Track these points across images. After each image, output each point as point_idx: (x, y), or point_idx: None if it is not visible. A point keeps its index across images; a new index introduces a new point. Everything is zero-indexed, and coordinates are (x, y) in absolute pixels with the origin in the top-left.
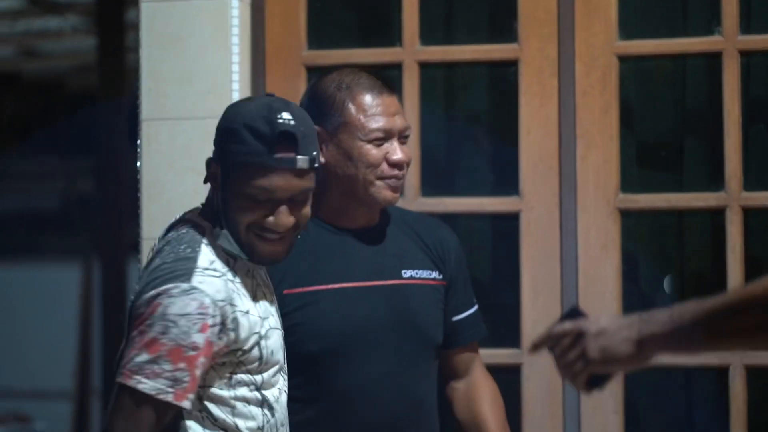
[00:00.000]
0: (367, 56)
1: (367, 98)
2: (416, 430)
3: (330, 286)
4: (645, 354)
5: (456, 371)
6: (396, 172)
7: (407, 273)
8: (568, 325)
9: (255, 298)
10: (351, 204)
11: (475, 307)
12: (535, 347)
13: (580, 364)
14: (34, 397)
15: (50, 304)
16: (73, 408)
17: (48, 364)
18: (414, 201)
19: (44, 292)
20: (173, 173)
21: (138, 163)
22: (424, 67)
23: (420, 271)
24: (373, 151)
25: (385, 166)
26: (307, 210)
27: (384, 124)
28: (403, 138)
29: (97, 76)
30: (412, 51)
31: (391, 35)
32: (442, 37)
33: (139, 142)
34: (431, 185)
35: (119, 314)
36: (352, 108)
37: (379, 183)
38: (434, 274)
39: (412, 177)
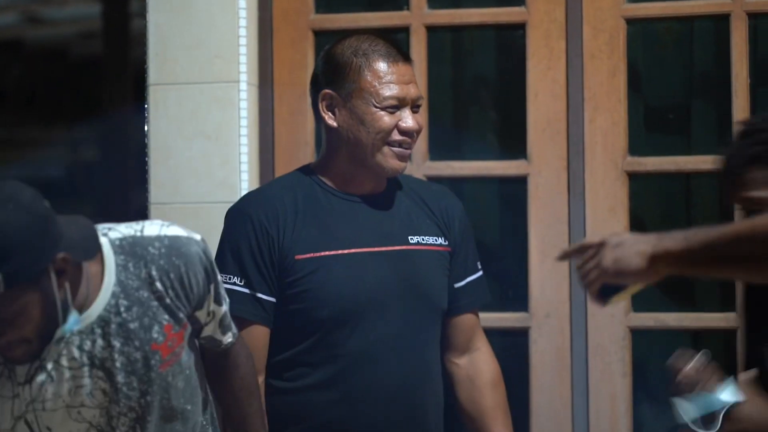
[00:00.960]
0: (375, 20)
1: (383, 65)
2: (423, 393)
3: (339, 252)
4: (655, 270)
5: (457, 341)
6: (405, 138)
7: (414, 239)
8: (595, 237)
9: None
10: (358, 170)
11: (478, 274)
12: (564, 256)
13: (595, 273)
14: None
15: None
16: None
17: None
18: (422, 165)
19: None
20: (181, 138)
21: (145, 129)
22: (432, 30)
23: (426, 237)
24: (385, 118)
25: (395, 132)
26: None
27: (398, 92)
28: (415, 107)
29: (101, 42)
30: (419, 14)
31: None
32: (449, 0)
33: (146, 107)
34: (439, 149)
35: None
36: (367, 74)
37: (387, 150)
38: (440, 240)
39: (421, 141)
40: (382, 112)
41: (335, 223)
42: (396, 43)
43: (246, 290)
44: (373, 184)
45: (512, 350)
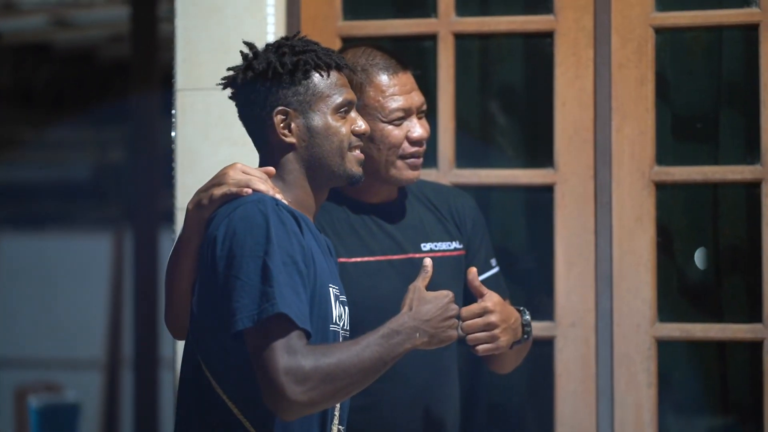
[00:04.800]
0: (402, 27)
1: (384, 78)
2: (442, 397)
3: (352, 260)
4: None
5: None
6: (417, 149)
7: (426, 246)
8: None
9: None
10: (373, 182)
11: (493, 271)
12: None
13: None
14: (65, 367)
15: (82, 274)
16: (103, 378)
17: (79, 334)
18: (448, 173)
19: (76, 262)
20: (208, 143)
21: (173, 133)
22: (460, 38)
23: (439, 244)
24: (394, 132)
25: (406, 144)
26: None
27: (403, 103)
28: (420, 113)
29: (129, 46)
30: (447, 22)
31: (426, 6)
32: (477, 8)
33: (173, 112)
34: (466, 157)
35: (151, 285)
36: (370, 91)
37: (400, 163)
38: (454, 245)
39: (447, 149)
40: (390, 126)
41: (348, 232)
42: (393, 52)
43: None
44: (386, 194)
45: (538, 359)
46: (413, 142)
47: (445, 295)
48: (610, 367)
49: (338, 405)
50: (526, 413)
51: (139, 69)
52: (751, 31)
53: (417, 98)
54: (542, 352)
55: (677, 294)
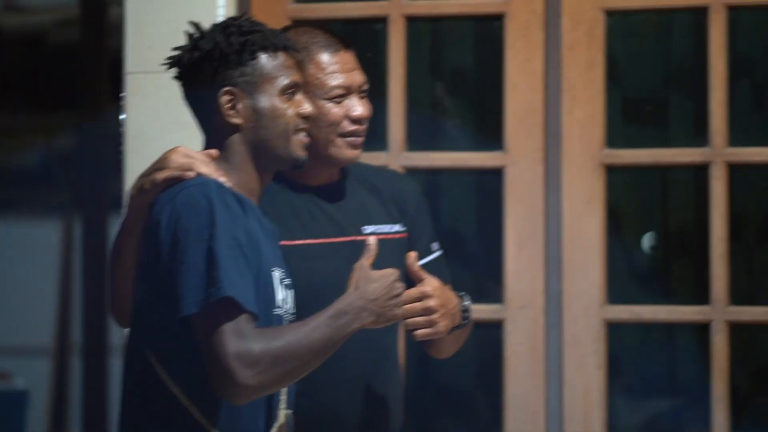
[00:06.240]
0: (354, 10)
1: (325, 57)
2: (382, 379)
3: (293, 242)
4: None
5: None
6: (357, 127)
7: (368, 229)
8: None
9: None
10: (312, 163)
11: (435, 255)
12: None
13: None
14: (14, 354)
15: (30, 260)
16: (52, 365)
17: (28, 321)
18: (398, 156)
19: (25, 248)
20: (158, 127)
21: (122, 117)
22: (411, 20)
23: (381, 226)
24: (334, 109)
25: (346, 122)
26: None
27: (343, 81)
28: (362, 93)
29: (78, 30)
30: (398, 4)
31: None
32: None
33: (123, 95)
34: (416, 140)
35: (100, 271)
36: (310, 68)
37: (340, 141)
38: (396, 227)
39: (397, 132)
40: (330, 103)
41: (288, 214)
42: (335, 32)
43: None
44: (326, 175)
45: (487, 342)
46: (353, 121)
47: (391, 273)
48: (559, 349)
49: (285, 388)
50: (475, 395)
51: (89, 53)
52: (700, 13)
53: (358, 77)
54: (492, 334)
55: (626, 276)
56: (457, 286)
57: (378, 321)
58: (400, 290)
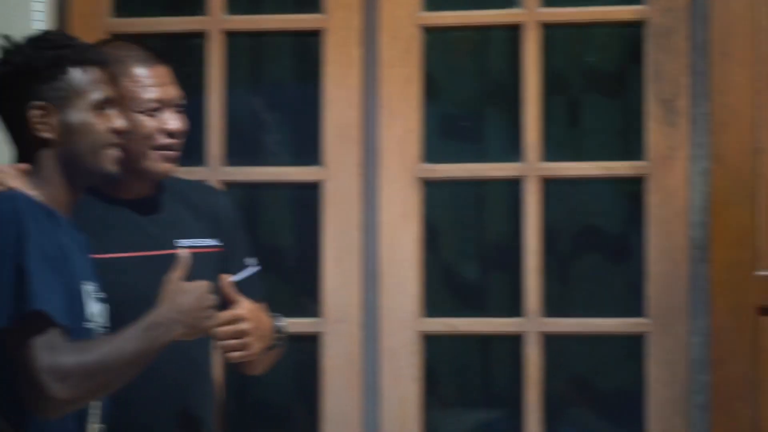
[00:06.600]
0: (173, 24)
1: (139, 70)
2: (193, 392)
3: (106, 256)
4: None
5: None
6: (171, 141)
7: (182, 242)
8: None
9: None
10: (126, 176)
11: (249, 271)
12: None
13: None
14: None
15: None
16: None
17: None
18: (217, 170)
19: None
20: None
21: None
22: (231, 35)
23: (195, 240)
24: (148, 122)
25: (160, 135)
26: None
27: (157, 94)
28: (177, 107)
29: None
30: (217, 20)
31: (197, 4)
32: (249, 6)
33: None
34: (235, 155)
35: None
36: (125, 81)
37: (154, 155)
38: (211, 242)
39: (216, 147)
40: (145, 117)
41: (100, 228)
42: (150, 46)
43: None
44: (140, 189)
45: (305, 355)
46: (168, 134)
47: (202, 285)
48: (376, 363)
49: (96, 403)
50: (293, 409)
51: None
52: (515, 30)
53: (173, 91)
54: (309, 348)
55: (443, 289)
56: (275, 300)
57: (190, 332)
58: (211, 302)
